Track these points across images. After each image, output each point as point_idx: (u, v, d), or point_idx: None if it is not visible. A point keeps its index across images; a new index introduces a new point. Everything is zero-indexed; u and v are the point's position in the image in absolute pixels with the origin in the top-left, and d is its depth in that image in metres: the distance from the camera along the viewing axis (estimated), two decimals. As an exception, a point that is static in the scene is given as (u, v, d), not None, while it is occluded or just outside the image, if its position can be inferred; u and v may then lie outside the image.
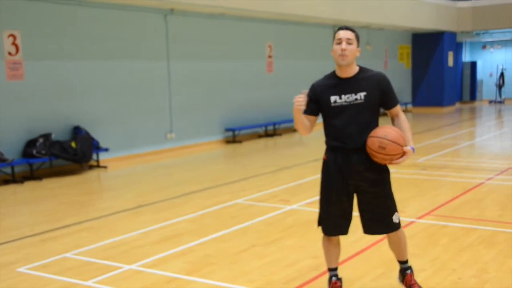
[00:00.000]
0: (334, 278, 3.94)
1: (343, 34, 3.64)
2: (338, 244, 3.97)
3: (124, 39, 11.03)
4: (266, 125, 14.53)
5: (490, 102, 24.96)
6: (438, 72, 20.88)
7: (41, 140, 9.43)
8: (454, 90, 22.20)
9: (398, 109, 3.87)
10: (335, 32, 3.72)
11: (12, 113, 9.28)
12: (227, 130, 13.40)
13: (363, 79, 3.69)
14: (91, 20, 10.45)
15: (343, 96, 3.67)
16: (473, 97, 24.96)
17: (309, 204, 6.94)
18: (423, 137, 13.73)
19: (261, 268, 4.73)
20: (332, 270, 3.98)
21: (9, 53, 9.16)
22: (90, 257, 5.12)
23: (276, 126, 14.91)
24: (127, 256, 5.14)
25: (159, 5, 11.16)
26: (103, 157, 10.53)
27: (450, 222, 5.98)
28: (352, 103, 3.66)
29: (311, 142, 14.02)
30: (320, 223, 3.90)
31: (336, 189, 3.75)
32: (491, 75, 25.49)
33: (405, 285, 3.96)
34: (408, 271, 3.95)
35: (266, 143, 13.61)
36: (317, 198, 7.30)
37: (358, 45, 3.70)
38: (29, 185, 8.94)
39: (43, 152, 9.37)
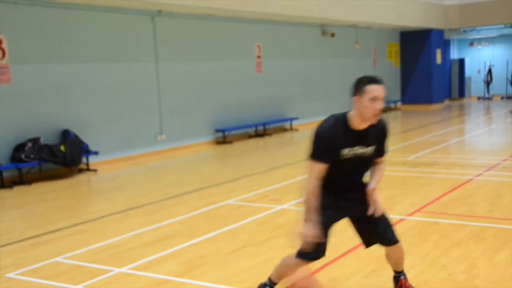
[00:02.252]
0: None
1: (380, 91, 3.37)
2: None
3: (112, 41, 10.99)
4: (256, 126, 14.53)
5: (479, 98, 25.13)
6: (426, 70, 21.00)
7: (29, 144, 9.37)
8: (442, 87, 22.33)
9: (385, 157, 3.76)
10: (362, 84, 3.40)
11: (0, 117, 9.22)
12: (217, 131, 13.39)
13: (374, 131, 3.54)
14: (78, 23, 10.39)
15: (354, 148, 3.50)
16: (461, 94, 25.11)
17: (299, 204, 6.93)
18: (413, 135, 13.81)
19: (252, 268, 4.73)
20: (274, 283, 3.95)
21: (-4, 57, 9.10)
22: (80, 261, 5.09)
23: (266, 126, 14.91)
24: (118, 259, 5.12)
25: (147, 6, 11.13)
26: (92, 160, 10.48)
27: (440, 218, 6.02)
28: (359, 155, 3.53)
29: (301, 142, 14.05)
30: (303, 251, 3.65)
31: (328, 222, 3.65)
32: (479, 71, 25.66)
33: None
34: (402, 277, 3.94)
35: (256, 144, 13.61)
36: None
37: None
38: (18, 190, 8.88)
39: (32, 156, 9.31)
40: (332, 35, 17.24)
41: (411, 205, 6.61)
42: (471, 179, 8.04)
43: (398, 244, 3.77)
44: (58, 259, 5.18)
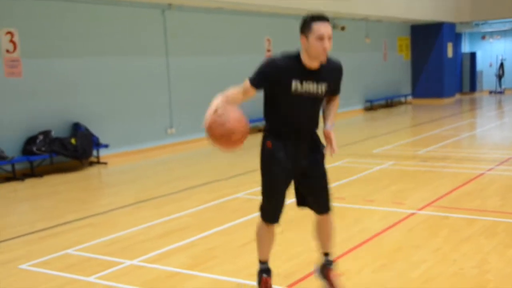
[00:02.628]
0: (265, 275, 3.78)
1: (325, 29, 3.31)
2: (274, 234, 3.79)
3: (122, 35, 11.01)
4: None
5: (490, 92, 24.92)
6: (437, 63, 20.84)
7: (41, 137, 9.43)
8: (454, 81, 22.16)
9: (338, 95, 3.78)
10: (307, 21, 3.35)
11: (11, 110, 9.28)
12: (227, 124, 13.37)
13: (327, 71, 3.48)
14: (89, 16, 10.42)
15: (304, 86, 3.41)
16: (473, 88, 24.92)
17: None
18: (423, 129, 13.73)
19: (262, 261, 4.72)
20: (265, 263, 3.82)
21: (7, 51, 9.15)
22: (91, 253, 5.12)
23: (276, 120, 14.88)
24: (129, 251, 5.15)
25: (157, 0, 11.12)
26: (103, 153, 10.53)
27: (451, 213, 5.98)
28: (312, 95, 3.46)
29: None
30: (264, 211, 3.70)
31: (284, 177, 3.58)
32: (490, 65, 25.44)
33: (329, 280, 3.83)
34: (331, 266, 3.84)
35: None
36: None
37: None
38: (29, 182, 8.95)
39: (43, 149, 9.37)
40: (342, 28, 17.15)
41: (421, 199, 6.58)
42: (482, 174, 7.99)
43: (328, 214, 3.72)
44: (69, 251, 5.22)
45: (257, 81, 3.43)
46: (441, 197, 6.71)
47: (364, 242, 5.09)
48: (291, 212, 6.30)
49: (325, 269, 3.85)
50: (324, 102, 3.70)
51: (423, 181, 7.70)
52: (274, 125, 3.55)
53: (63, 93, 10.03)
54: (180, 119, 12.23)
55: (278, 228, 3.90)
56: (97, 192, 8.61)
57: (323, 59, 3.34)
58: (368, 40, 18.77)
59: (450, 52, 21.22)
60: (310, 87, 3.42)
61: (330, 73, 3.51)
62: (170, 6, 11.77)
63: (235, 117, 3.35)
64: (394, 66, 20.64)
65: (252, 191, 7.44)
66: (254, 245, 5.12)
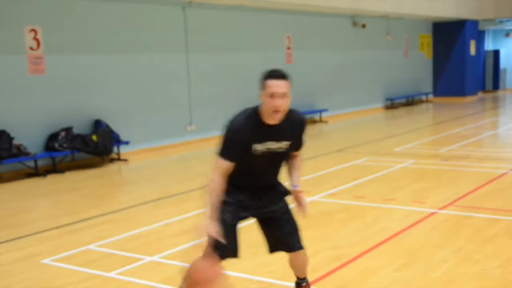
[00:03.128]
0: None
1: (276, 87, 3.12)
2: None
3: (143, 32, 11.07)
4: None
5: (514, 91, 24.54)
6: (460, 61, 20.59)
7: (62, 133, 9.53)
8: (476, 79, 21.87)
9: (301, 151, 3.55)
10: (263, 77, 3.21)
11: (34, 107, 9.40)
12: (247, 122, 13.37)
13: (289, 126, 3.30)
14: (111, 14, 10.50)
15: (265, 144, 3.25)
16: (496, 86, 24.55)
17: (330, 195, 6.91)
18: (445, 127, 13.57)
19: (281, 259, 4.70)
20: None
21: (31, 48, 9.26)
22: (112, 249, 5.17)
23: (296, 118, 14.84)
24: (148, 248, 5.18)
25: (178, -3, 11.18)
26: (123, 150, 10.61)
27: (473, 212, 5.91)
28: (273, 151, 3.29)
29: (331, 134, 13.96)
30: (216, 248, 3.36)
31: (233, 220, 3.38)
32: (514, 63, 25.05)
33: None
34: (304, 283, 3.76)
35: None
36: (337, 189, 7.29)
37: (290, 91, 3.23)
38: (51, 178, 9.06)
39: (65, 145, 9.47)
40: (363, 26, 17.03)
41: (443, 199, 6.50)
42: (505, 173, 7.87)
43: (302, 251, 3.59)
44: (91, 247, 5.27)
45: (231, 155, 3.24)
46: (463, 196, 6.62)
47: (384, 241, 5.05)
48: (311, 210, 6.28)
49: (300, 286, 3.77)
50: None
51: (445, 180, 7.61)
52: (234, 180, 3.34)
53: (84, 90, 10.13)
54: (200, 116, 12.27)
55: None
56: (117, 188, 8.68)
57: (274, 117, 3.17)
58: (389, 38, 18.60)
59: (472, 50, 20.94)
60: (271, 145, 3.27)
61: (292, 129, 3.34)
62: (190, 3, 11.81)
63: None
64: (415, 64, 20.43)
65: (271, 189, 7.42)
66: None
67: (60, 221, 6.27)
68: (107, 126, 10.24)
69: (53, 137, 9.49)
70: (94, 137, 9.76)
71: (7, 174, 8.95)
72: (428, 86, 21.27)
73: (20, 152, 8.91)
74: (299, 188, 3.47)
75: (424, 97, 20.97)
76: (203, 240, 3.19)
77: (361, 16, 17.03)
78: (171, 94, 11.68)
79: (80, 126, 10.01)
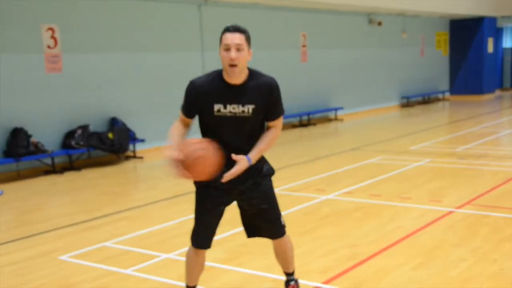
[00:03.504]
0: None
1: (231, 38, 3.13)
2: (204, 259, 3.54)
3: (159, 30, 11.12)
4: (300, 115, 14.45)
5: (532, 89, 24.22)
6: (477, 59, 20.37)
7: (79, 131, 9.61)
8: (494, 77, 21.62)
9: (279, 121, 3.36)
10: (222, 33, 3.21)
11: (52, 105, 9.49)
12: (262, 120, 13.37)
13: (253, 88, 3.19)
14: (127, 12, 10.56)
15: (228, 106, 3.17)
16: (513, 84, 24.25)
17: (345, 194, 6.88)
18: (461, 126, 13.44)
19: (297, 257, 4.68)
20: None
21: (48, 47, 9.35)
22: (128, 246, 5.20)
23: (311, 116, 14.82)
24: (164, 245, 5.20)
25: (193, -4, 11.20)
26: (139, 147, 10.67)
27: (491, 212, 5.84)
28: (238, 115, 3.18)
29: (346, 132, 13.90)
30: (193, 236, 3.43)
31: (212, 200, 3.33)
32: (533, 61, 24.70)
33: None
34: (292, 282, 3.68)
35: (300, 133, 13.55)
36: (353, 187, 7.25)
37: (249, 47, 3.25)
38: (68, 175, 9.14)
39: (82, 143, 9.55)
40: (379, 23, 16.92)
41: (460, 198, 6.44)
42: (523, 172, 7.77)
43: (284, 237, 3.49)
44: (107, 243, 5.31)
45: (186, 109, 3.31)
46: (480, 195, 6.55)
47: (401, 240, 5.02)
48: (326, 208, 6.28)
49: (288, 285, 3.71)
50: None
51: (461, 179, 7.54)
52: None
53: (101, 88, 10.20)
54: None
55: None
56: (133, 186, 8.73)
57: (231, 72, 3.10)
58: (405, 35, 18.46)
59: (490, 47, 20.70)
60: (235, 109, 3.17)
61: (258, 92, 3.20)
62: (206, 1, 11.83)
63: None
64: (432, 62, 20.26)
65: (286, 187, 7.42)
66: (288, 241, 5.12)
67: (76, 218, 6.32)
68: (123, 124, 10.31)
69: (69, 134, 9.58)
70: (110, 135, 9.82)
71: (25, 172, 9.05)
72: (444, 84, 21.08)
73: (37, 150, 9.00)
74: (243, 157, 3.20)
75: (440, 95, 20.79)
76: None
77: (377, 14, 16.92)
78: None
79: (97, 124, 10.08)
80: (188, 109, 3.30)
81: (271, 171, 3.49)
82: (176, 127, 3.34)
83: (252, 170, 3.30)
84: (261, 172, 3.40)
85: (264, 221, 3.45)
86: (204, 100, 3.20)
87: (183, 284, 4.19)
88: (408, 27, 18.55)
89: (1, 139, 8.86)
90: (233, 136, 3.25)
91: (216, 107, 3.18)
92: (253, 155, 3.26)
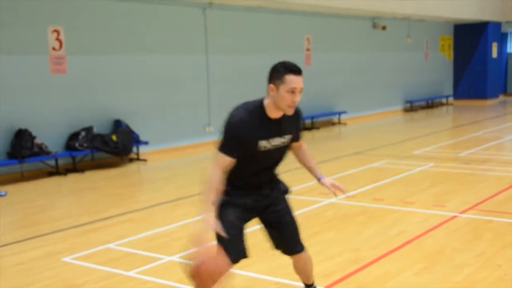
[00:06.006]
0: None
1: (298, 82, 3.13)
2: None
3: (163, 33, 11.14)
4: (304, 119, 14.46)
5: (536, 94, 24.17)
6: (481, 64, 20.33)
7: (83, 133, 9.64)
8: (498, 82, 21.59)
9: (301, 141, 3.54)
10: (280, 71, 3.18)
11: (56, 106, 9.51)
12: (265, 123, 13.37)
13: (289, 118, 3.27)
14: (131, 14, 10.59)
15: (271, 140, 3.21)
16: (518, 89, 24.22)
17: (349, 198, 6.87)
18: (465, 131, 13.42)
19: (300, 261, 4.71)
20: None
21: (53, 48, 9.38)
22: (132, 248, 5.21)
23: (314, 120, 14.82)
24: (168, 247, 5.20)
25: (198, -1, 11.23)
26: (143, 150, 10.69)
27: (494, 217, 5.83)
28: (277, 149, 3.27)
29: (350, 136, 13.90)
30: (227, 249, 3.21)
31: (238, 216, 3.29)
32: (537, 66, 24.66)
33: None
34: None
35: (304, 137, 13.50)
36: (356, 192, 7.24)
37: None
38: (72, 177, 9.16)
39: (85, 145, 9.57)
40: (383, 28, 16.93)
41: (464, 203, 6.43)
42: (527, 177, 7.76)
43: (303, 253, 3.51)
44: (111, 245, 5.31)
45: (231, 150, 3.15)
46: (484, 200, 6.54)
47: (404, 244, 5.01)
48: (329, 212, 6.27)
49: None
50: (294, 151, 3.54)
51: (465, 184, 7.53)
52: (236, 179, 3.28)
53: (105, 91, 10.22)
54: (218, 118, 12.30)
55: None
56: (136, 188, 8.75)
57: (290, 112, 3.16)
58: (409, 40, 18.46)
59: (495, 52, 20.68)
60: (276, 141, 3.23)
61: (293, 122, 3.33)
62: (210, 4, 11.85)
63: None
64: (436, 66, 20.25)
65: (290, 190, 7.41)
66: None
67: (80, 220, 6.33)
68: (127, 126, 10.33)
69: (73, 136, 9.60)
70: (114, 137, 9.84)
71: (29, 173, 9.08)
72: (448, 88, 21.05)
73: (41, 151, 9.03)
74: (325, 178, 3.48)
75: (444, 100, 20.76)
76: (201, 247, 3.04)
77: (381, 18, 16.93)
78: (190, 95, 11.73)
79: (100, 126, 10.10)
80: (234, 149, 3.15)
81: (288, 190, 3.56)
82: (214, 186, 3.18)
83: (278, 192, 3.43)
84: (281, 190, 3.50)
85: (285, 236, 3.46)
86: (249, 137, 3.13)
87: (186, 286, 4.19)
88: (412, 31, 18.55)
89: (5, 140, 8.88)
90: (267, 168, 3.34)
91: (261, 143, 3.17)
92: (321, 173, 3.54)
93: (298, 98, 3.13)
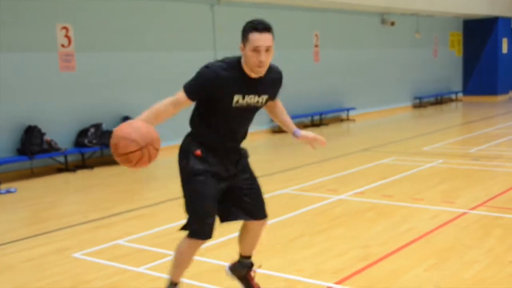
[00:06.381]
0: None
1: (263, 40, 2.97)
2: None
3: (172, 30, 11.16)
4: (312, 115, 14.43)
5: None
6: (491, 60, 20.21)
7: (92, 130, 9.68)
8: (508, 78, 21.43)
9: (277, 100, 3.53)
10: (246, 29, 3.09)
11: (65, 103, 9.56)
12: (273, 120, 13.36)
13: (269, 81, 3.23)
14: (140, 11, 10.61)
15: (246, 97, 3.14)
16: (528, 85, 24.01)
17: (357, 194, 6.85)
18: (475, 127, 13.35)
19: (310, 257, 4.71)
20: (176, 285, 3.43)
21: (62, 45, 9.42)
22: (141, 244, 5.22)
23: (323, 116, 14.79)
24: (177, 243, 5.20)
25: (206, -5, 11.23)
26: (152, 146, 10.70)
27: (504, 213, 5.79)
28: (252, 105, 3.20)
29: (358, 133, 13.86)
30: (191, 226, 3.23)
31: (214, 186, 3.22)
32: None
33: (250, 282, 3.69)
34: (252, 268, 3.70)
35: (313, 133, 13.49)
36: (365, 188, 7.22)
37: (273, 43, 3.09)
38: (81, 173, 9.20)
39: (94, 141, 9.61)
40: (392, 23, 16.85)
41: (473, 199, 6.39)
42: (538, 174, 7.70)
43: (264, 220, 3.48)
44: (120, 241, 5.33)
45: (194, 92, 3.10)
46: (494, 197, 6.50)
47: (414, 241, 4.99)
48: (338, 208, 6.26)
49: (247, 271, 3.67)
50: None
51: (475, 180, 7.48)
52: (204, 134, 3.25)
53: (114, 87, 10.26)
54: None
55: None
56: (145, 184, 8.77)
57: (258, 72, 3.05)
58: (418, 36, 18.36)
59: (505, 48, 20.53)
60: (252, 99, 3.16)
61: (272, 84, 3.28)
62: (218, 1, 11.85)
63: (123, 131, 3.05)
64: (445, 62, 20.14)
65: (298, 187, 7.42)
66: (300, 241, 5.13)
67: (89, 216, 6.36)
68: (136, 123, 10.35)
69: (82, 133, 9.64)
70: (123, 134, 9.86)
71: (39, 169, 9.13)
72: (458, 84, 20.94)
73: (51, 148, 9.07)
74: (300, 131, 3.53)
75: (453, 96, 20.65)
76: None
77: (390, 14, 16.85)
78: (198, 92, 11.75)
79: (110, 123, 10.14)
80: (196, 92, 3.11)
81: (248, 153, 3.52)
82: (161, 109, 3.23)
83: (240, 151, 3.39)
84: (246, 156, 3.46)
85: (253, 200, 3.42)
86: (223, 90, 3.06)
87: (196, 283, 4.21)
88: (421, 27, 18.45)
89: (15, 137, 8.94)
90: (239, 126, 3.28)
91: (236, 98, 3.12)
92: (297, 128, 3.54)
93: (263, 57, 2.99)
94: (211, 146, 3.25)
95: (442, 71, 20.01)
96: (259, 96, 3.20)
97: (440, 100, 19.75)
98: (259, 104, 3.27)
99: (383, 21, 16.80)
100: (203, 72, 3.09)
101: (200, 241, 3.28)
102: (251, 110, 3.26)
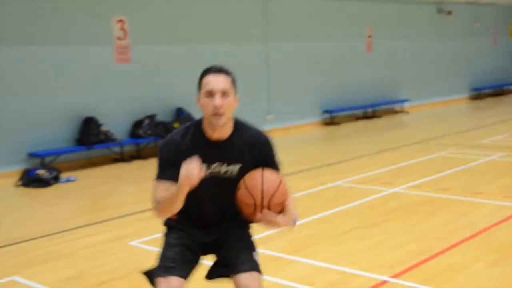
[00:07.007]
0: None
1: (215, 82, 2.55)
2: None
3: (224, 22, 11.21)
4: (365, 107, 14.21)
5: None
6: (554, 49, 19.30)
7: (147, 121, 9.86)
8: None
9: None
10: (200, 75, 2.67)
11: (121, 95, 9.77)
12: (325, 112, 13.26)
13: (240, 144, 2.63)
14: (193, 4, 10.70)
15: (210, 166, 2.60)
16: None
17: (412, 187, 6.71)
18: (537, 119, 12.80)
19: (364, 250, 4.65)
20: None
21: (118, 38, 9.63)
22: (195, 234, 5.28)
23: (376, 108, 14.53)
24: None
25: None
26: (204, 138, 10.81)
27: None
28: (219, 176, 2.62)
29: (412, 125, 13.56)
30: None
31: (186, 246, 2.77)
32: None
33: None
34: None
35: (365, 125, 13.32)
36: (420, 181, 7.05)
37: (236, 92, 2.66)
38: (136, 164, 9.40)
39: (149, 132, 9.79)
40: (449, 13, 16.34)
41: (536, 194, 6.14)
42: None
43: (249, 273, 2.62)
44: (175, 230, 5.41)
45: (167, 173, 2.59)
46: (559, 192, 6.22)
47: (473, 236, 4.84)
48: (393, 202, 6.15)
49: None
50: None
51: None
52: (174, 215, 2.71)
53: (168, 79, 10.41)
54: (279, 106, 12.26)
55: None
56: (198, 175, 8.87)
57: (216, 123, 2.53)
58: (477, 25, 17.74)
59: None
60: (216, 168, 2.61)
61: (245, 149, 2.63)
62: (271, -8, 11.81)
63: None
64: (505, 52, 19.38)
65: (351, 180, 7.33)
66: (353, 234, 5.06)
67: (144, 206, 6.48)
68: (189, 114, 10.47)
69: (137, 124, 9.84)
70: (176, 125, 10.01)
71: (96, 159, 9.39)
72: (518, 75, 20.14)
73: (107, 138, 9.31)
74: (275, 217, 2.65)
75: (513, 88, 19.88)
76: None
77: (447, 3, 16.34)
78: (250, 83, 11.75)
79: (163, 114, 10.30)
80: (171, 172, 2.57)
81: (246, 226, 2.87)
82: (162, 199, 2.62)
83: (229, 230, 2.79)
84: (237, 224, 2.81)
85: (236, 252, 2.72)
86: (182, 156, 2.53)
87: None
88: (480, 16, 17.81)
89: (74, 128, 9.21)
90: (215, 202, 2.69)
91: None
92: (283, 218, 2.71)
93: (218, 100, 2.52)
94: (184, 227, 2.79)
95: (502, 62, 19.28)
96: (227, 165, 2.62)
97: (499, 91, 19.04)
98: (232, 176, 2.62)
99: (439, 10, 16.32)
100: (163, 147, 2.67)
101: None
102: (220, 184, 2.63)
